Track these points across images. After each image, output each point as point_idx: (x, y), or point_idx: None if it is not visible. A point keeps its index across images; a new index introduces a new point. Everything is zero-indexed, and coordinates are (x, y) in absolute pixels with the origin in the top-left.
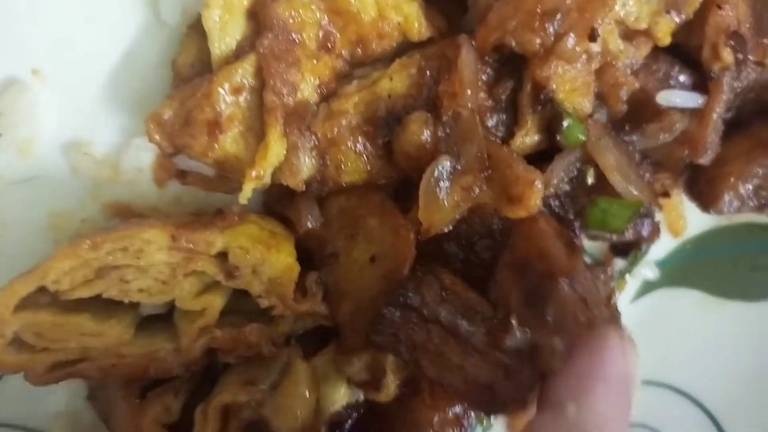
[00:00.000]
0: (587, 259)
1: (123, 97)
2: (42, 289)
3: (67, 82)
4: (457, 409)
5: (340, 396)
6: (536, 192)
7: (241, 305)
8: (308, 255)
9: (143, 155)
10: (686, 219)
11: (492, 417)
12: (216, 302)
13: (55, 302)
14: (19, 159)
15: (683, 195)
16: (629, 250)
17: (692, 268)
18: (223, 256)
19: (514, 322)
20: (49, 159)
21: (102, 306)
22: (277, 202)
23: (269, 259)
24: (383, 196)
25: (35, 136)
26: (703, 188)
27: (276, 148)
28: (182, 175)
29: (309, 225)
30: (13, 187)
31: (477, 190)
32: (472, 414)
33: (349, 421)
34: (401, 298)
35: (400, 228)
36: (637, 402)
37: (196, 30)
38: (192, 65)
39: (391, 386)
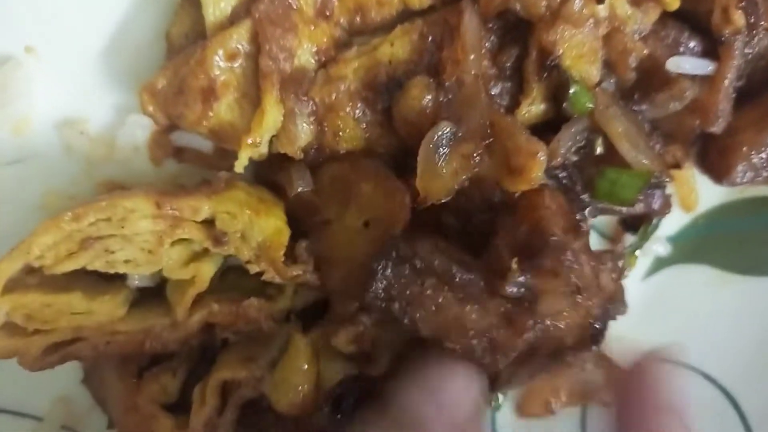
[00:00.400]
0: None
1: (118, 73)
2: (29, 270)
3: (61, 59)
4: None
5: (336, 370)
6: (538, 164)
7: (240, 283)
8: (297, 224)
9: (139, 133)
10: (698, 193)
11: (494, 386)
12: (205, 269)
13: (44, 282)
14: (13, 137)
15: (694, 169)
16: (640, 224)
17: (705, 243)
18: (210, 223)
19: (514, 265)
20: (43, 137)
21: (93, 283)
22: (268, 169)
23: (258, 223)
24: (377, 162)
25: (29, 115)
26: (715, 160)
27: (272, 114)
28: (179, 152)
29: (300, 189)
30: (6, 167)
31: (477, 159)
32: None
33: (351, 397)
34: (392, 250)
35: (394, 191)
36: None
37: (189, 0)
38: (186, 36)
39: (381, 360)
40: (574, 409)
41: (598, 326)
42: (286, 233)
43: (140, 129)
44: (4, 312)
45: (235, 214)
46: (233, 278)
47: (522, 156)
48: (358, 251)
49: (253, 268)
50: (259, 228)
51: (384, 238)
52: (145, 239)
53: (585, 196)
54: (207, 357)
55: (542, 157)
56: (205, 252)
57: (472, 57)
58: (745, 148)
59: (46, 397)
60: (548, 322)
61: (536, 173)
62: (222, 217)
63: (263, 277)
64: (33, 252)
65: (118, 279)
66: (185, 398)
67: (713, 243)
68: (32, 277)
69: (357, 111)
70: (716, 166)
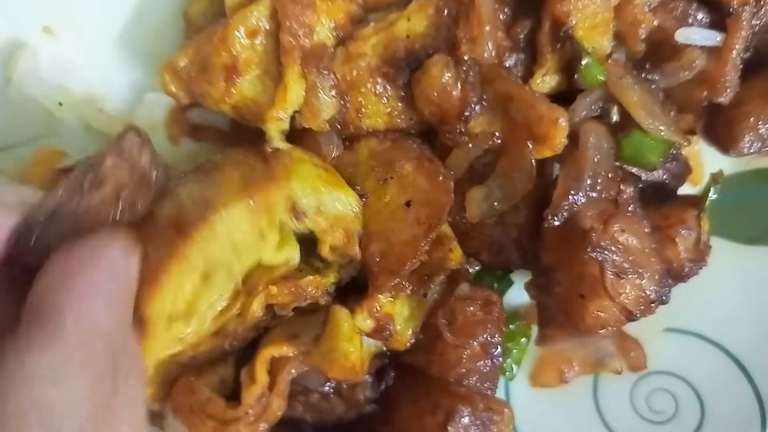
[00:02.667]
0: None
1: (136, 51)
2: None
3: (79, 38)
4: (481, 338)
5: (372, 345)
6: (561, 130)
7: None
8: None
9: (156, 111)
10: (704, 167)
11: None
12: (293, 251)
13: None
14: (33, 116)
15: (700, 143)
16: (659, 193)
17: (713, 215)
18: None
19: None
20: (63, 116)
21: None
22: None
23: (331, 195)
24: (419, 142)
25: (47, 93)
26: (722, 131)
27: (295, 89)
28: (196, 130)
29: (333, 153)
30: (25, 146)
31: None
32: (498, 339)
33: (392, 369)
34: None
35: (437, 174)
36: (663, 350)
37: None
38: (204, 15)
39: (405, 333)
40: (586, 379)
41: (655, 294)
42: (358, 200)
43: (158, 107)
44: None
45: (311, 191)
46: None
47: (544, 124)
48: (399, 229)
49: (327, 241)
50: (331, 201)
51: (428, 220)
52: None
53: None
54: (251, 343)
55: (564, 122)
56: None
57: (487, 29)
58: (752, 119)
59: None
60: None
61: (560, 139)
62: (304, 193)
63: (329, 254)
64: None
65: None
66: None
67: (722, 214)
68: None
69: (378, 86)
70: (723, 137)
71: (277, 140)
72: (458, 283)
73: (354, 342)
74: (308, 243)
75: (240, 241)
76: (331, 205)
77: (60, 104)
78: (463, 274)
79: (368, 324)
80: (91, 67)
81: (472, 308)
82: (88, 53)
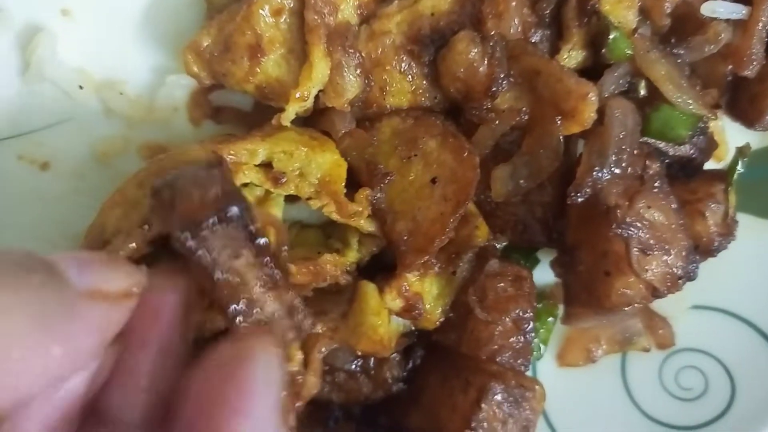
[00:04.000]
0: None
1: (156, 34)
2: None
3: (98, 21)
4: (513, 314)
5: (400, 324)
6: (590, 105)
7: (303, 241)
8: (353, 177)
9: (177, 93)
10: (728, 143)
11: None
12: (274, 212)
13: None
14: (52, 101)
15: (724, 119)
16: (687, 168)
17: (738, 191)
18: (267, 166)
19: None
20: (83, 100)
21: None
22: (309, 123)
23: (315, 159)
24: (442, 119)
25: (67, 77)
26: (747, 106)
27: (320, 67)
28: (217, 112)
29: (344, 129)
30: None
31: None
32: (530, 314)
33: (420, 348)
34: None
35: (462, 150)
36: (691, 328)
37: None
38: None
39: (435, 312)
40: (614, 357)
41: (682, 271)
42: (344, 165)
43: (179, 89)
44: None
45: (291, 152)
46: (293, 237)
47: (573, 99)
48: (425, 207)
49: (315, 204)
50: (316, 163)
51: (456, 197)
52: None
53: None
54: None
55: (593, 97)
56: (267, 196)
57: (513, 4)
58: None
59: None
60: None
61: (589, 114)
62: (279, 156)
63: (324, 210)
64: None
65: None
66: None
67: (747, 190)
68: None
69: (403, 64)
70: (748, 111)
71: (288, 118)
72: (487, 259)
73: (382, 316)
74: (327, 225)
75: None
76: (315, 168)
77: (80, 87)
78: (491, 250)
79: (397, 303)
80: (110, 49)
81: (502, 284)
82: (108, 36)
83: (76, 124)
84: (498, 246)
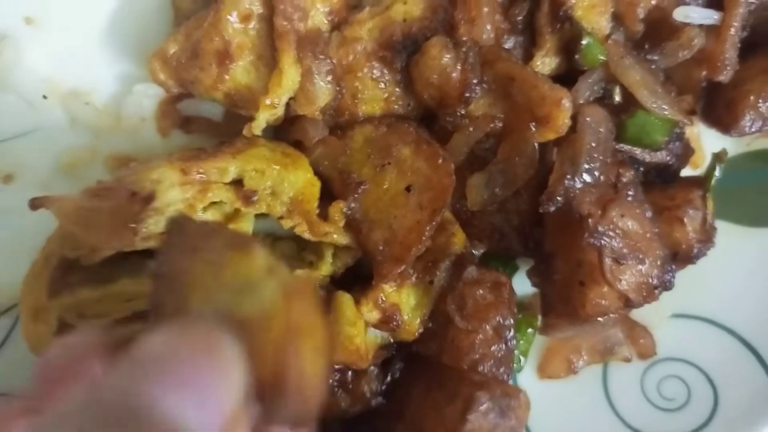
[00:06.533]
0: None
1: (122, 42)
2: (67, 267)
3: (63, 29)
4: (494, 321)
5: (377, 336)
6: (565, 111)
7: (274, 254)
8: (326, 187)
9: (145, 102)
10: (704, 150)
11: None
12: (244, 228)
13: (86, 278)
14: (16, 111)
15: (700, 127)
16: (663, 175)
17: (716, 199)
18: (238, 183)
19: None
20: (47, 110)
21: (136, 266)
22: (283, 133)
23: (287, 178)
24: (415, 125)
25: (31, 87)
26: (722, 111)
27: (290, 74)
28: (186, 122)
29: (317, 137)
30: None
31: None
32: (510, 322)
33: (399, 361)
34: None
35: (436, 156)
36: (672, 337)
37: None
38: (194, 1)
39: (413, 323)
40: (595, 368)
41: (658, 280)
42: (317, 185)
43: (147, 99)
44: (54, 316)
45: (263, 170)
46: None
47: (547, 105)
48: (401, 215)
49: (287, 224)
50: (288, 182)
51: (431, 204)
52: (176, 208)
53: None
54: None
55: (567, 103)
56: (237, 213)
57: (485, 10)
58: (752, 97)
59: None
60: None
61: (563, 120)
62: (250, 175)
63: (296, 230)
64: (67, 243)
65: None
66: None
67: (724, 198)
68: (73, 275)
69: (375, 71)
70: (724, 117)
71: (259, 127)
72: (465, 267)
73: (358, 326)
74: (301, 238)
75: (162, 206)
76: (287, 187)
77: (45, 97)
78: (468, 258)
79: (374, 315)
80: (75, 58)
81: (481, 291)
82: (73, 44)
83: (41, 135)
84: (476, 253)
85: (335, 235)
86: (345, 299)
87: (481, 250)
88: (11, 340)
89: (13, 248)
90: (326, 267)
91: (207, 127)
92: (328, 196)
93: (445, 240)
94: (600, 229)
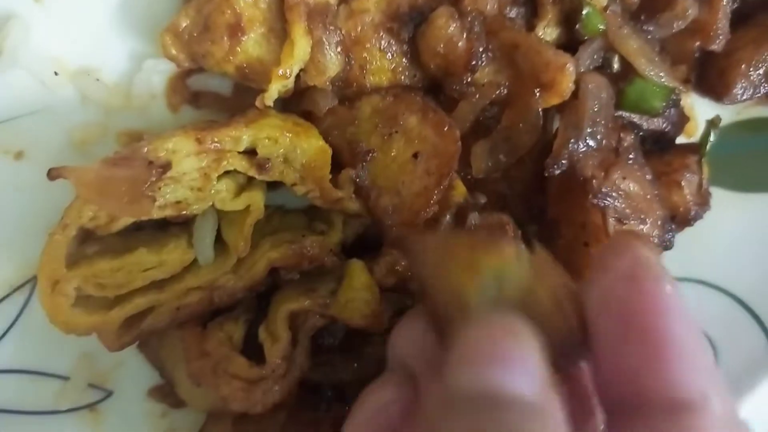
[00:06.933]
0: None
1: (131, 19)
2: (84, 238)
3: (71, 7)
4: None
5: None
6: (568, 75)
7: (288, 225)
8: (336, 157)
9: (155, 78)
10: (698, 120)
11: None
12: (257, 197)
13: (104, 249)
14: (27, 90)
15: (693, 97)
16: (660, 142)
17: (711, 166)
18: (251, 153)
19: None
20: (58, 88)
21: (151, 238)
22: (292, 106)
23: (299, 145)
24: (421, 95)
25: (41, 65)
26: (715, 81)
27: (301, 45)
28: (196, 97)
29: (327, 106)
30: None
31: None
32: None
33: None
34: None
35: (442, 124)
36: None
37: None
38: None
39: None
40: None
41: (658, 240)
42: (329, 151)
43: (156, 75)
44: (72, 287)
45: (276, 138)
46: (277, 222)
47: (551, 70)
48: (409, 181)
49: (300, 190)
50: (301, 149)
51: (438, 171)
52: (192, 177)
53: None
54: (264, 307)
55: (571, 67)
56: (251, 182)
57: None
58: (743, 66)
59: (69, 355)
60: None
61: (567, 84)
62: (263, 143)
63: (309, 196)
64: (85, 214)
65: (174, 227)
66: (248, 349)
67: (719, 165)
68: (90, 246)
69: (383, 42)
70: (717, 86)
71: (271, 98)
72: (466, 216)
73: (372, 291)
74: (311, 209)
75: (178, 174)
76: (300, 155)
77: (55, 74)
78: (470, 207)
79: (390, 280)
80: (85, 36)
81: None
82: (82, 21)
83: (51, 113)
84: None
85: (348, 202)
86: (358, 266)
87: (482, 200)
88: (24, 316)
89: (25, 225)
90: (337, 235)
91: (216, 102)
92: (337, 167)
93: (445, 193)
94: (603, 190)
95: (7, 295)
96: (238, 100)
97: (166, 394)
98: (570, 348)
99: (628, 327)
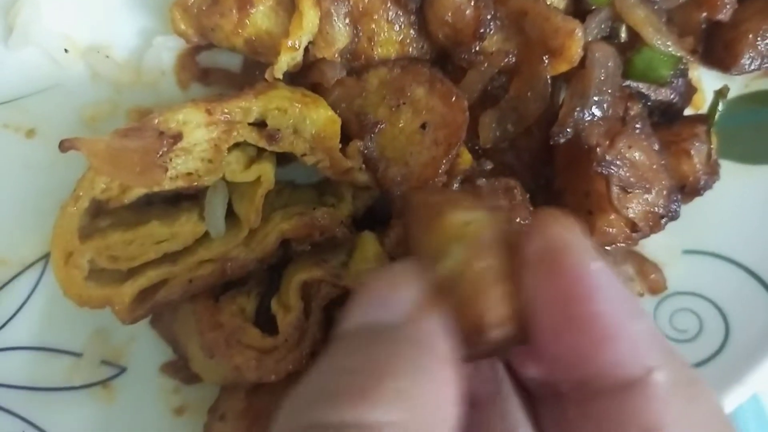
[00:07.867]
0: None
1: None
2: (97, 212)
3: None
4: (515, 225)
5: None
6: (577, 41)
7: (298, 199)
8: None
9: (165, 55)
10: (705, 92)
11: None
12: (267, 168)
13: (116, 222)
14: (37, 68)
15: (699, 69)
16: (667, 113)
17: (719, 138)
18: (260, 125)
19: None
20: (68, 65)
21: (164, 212)
22: (297, 80)
23: (309, 116)
24: (429, 66)
25: (52, 42)
26: (722, 52)
27: (310, 16)
28: (205, 74)
29: (335, 77)
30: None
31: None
32: (529, 221)
33: None
34: None
35: (450, 94)
36: (683, 272)
37: None
38: None
39: None
40: None
41: (664, 209)
42: (338, 121)
43: (166, 51)
44: (86, 260)
45: (285, 109)
46: (288, 197)
47: (560, 36)
48: (417, 152)
49: (310, 160)
50: (310, 120)
51: (446, 141)
52: (203, 149)
53: None
54: (275, 280)
55: (580, 33)
56: (261, 155)
57: None
58: (750, 36)
59: (82, 332)
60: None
61: (576, 49)
62: (273, 114)
63: (319, 166)
64: (97, 185)
65: (185, 202)
66: (260, 322)
67: (725, 137)
68: (102, 220)
69: (390, 13)
70: (724, 58)
71: (281, 70)
72: (473, 182)
73: (384, 262)
74: (320, 183)
75: (189, 145)
76: (309, 125)
77: (66, 51)
78: (476, 173)
79: (399, 251)
80: (95, 13)
81: (494, 200)
82: None
83: (62, 90)
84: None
85: (357, 173)
86: (370, 237)
87: (489, 166)
88: (37, 293)
89: (36, 202)
90: (347, 207)
91: (225, 78)
92: (345, 139)
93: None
94: (608, 158)
95: (20, 273)
96: (247, 76)
97: (179, 369)
98: (493, 339)
99: (558, 316)
